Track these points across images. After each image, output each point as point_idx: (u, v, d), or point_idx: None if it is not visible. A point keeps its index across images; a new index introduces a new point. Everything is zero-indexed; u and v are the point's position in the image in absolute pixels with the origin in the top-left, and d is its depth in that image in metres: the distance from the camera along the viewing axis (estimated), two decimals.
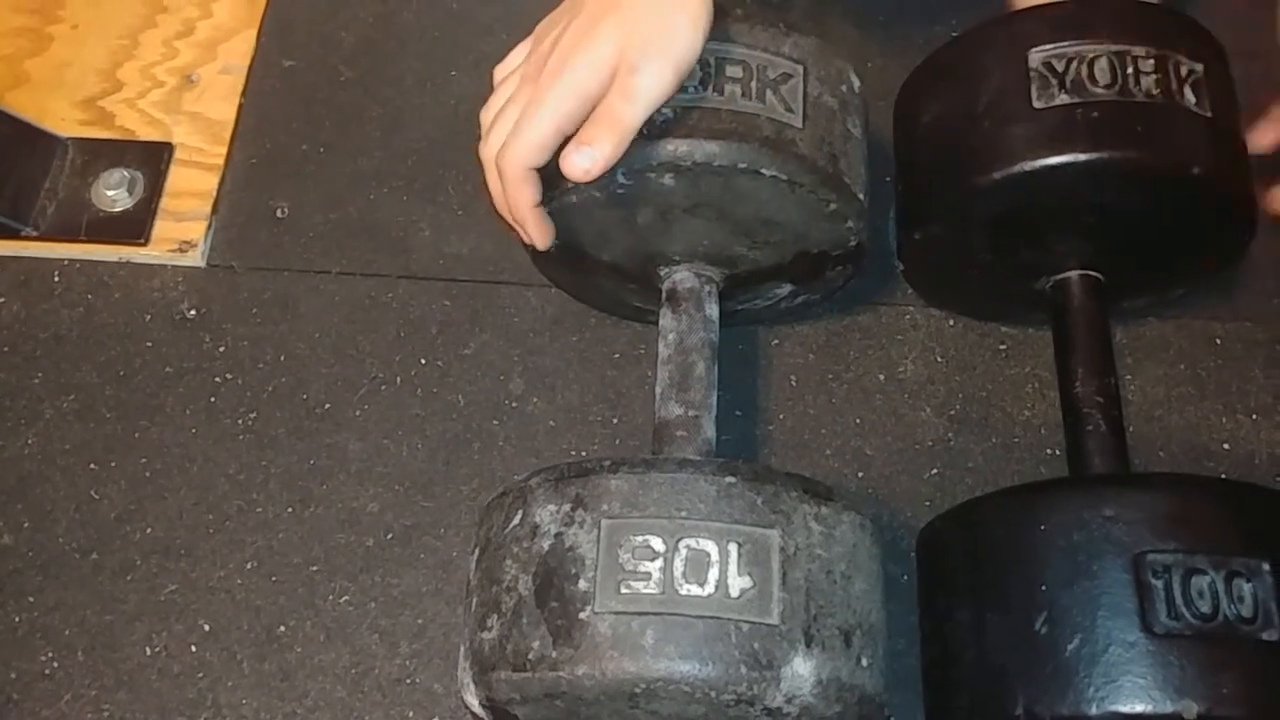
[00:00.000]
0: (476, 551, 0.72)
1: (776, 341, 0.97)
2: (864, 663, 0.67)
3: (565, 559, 0.66)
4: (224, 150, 1.05)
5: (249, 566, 0.89)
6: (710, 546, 0.65)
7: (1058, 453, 0.90)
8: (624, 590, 0.64)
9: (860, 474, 0.92)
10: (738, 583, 0.64)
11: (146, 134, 1.06)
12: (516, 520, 0.69)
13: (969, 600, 0.73)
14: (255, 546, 0.90)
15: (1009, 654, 0.69)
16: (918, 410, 0.94)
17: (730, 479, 0.67)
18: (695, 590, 0.64)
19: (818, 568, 0.67)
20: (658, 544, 0.65)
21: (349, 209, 1.03)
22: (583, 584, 0.65)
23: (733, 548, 0.65)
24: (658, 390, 0.81)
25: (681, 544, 0.64)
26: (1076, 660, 0.66)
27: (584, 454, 0.92)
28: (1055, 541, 0.69)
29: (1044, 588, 0.69)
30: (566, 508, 0.67)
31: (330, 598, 0.88)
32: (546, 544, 0.67)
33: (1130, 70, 0.77)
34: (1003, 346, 0.97)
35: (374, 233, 1.02)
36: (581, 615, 0.64)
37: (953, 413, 0.94)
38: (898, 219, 0.89)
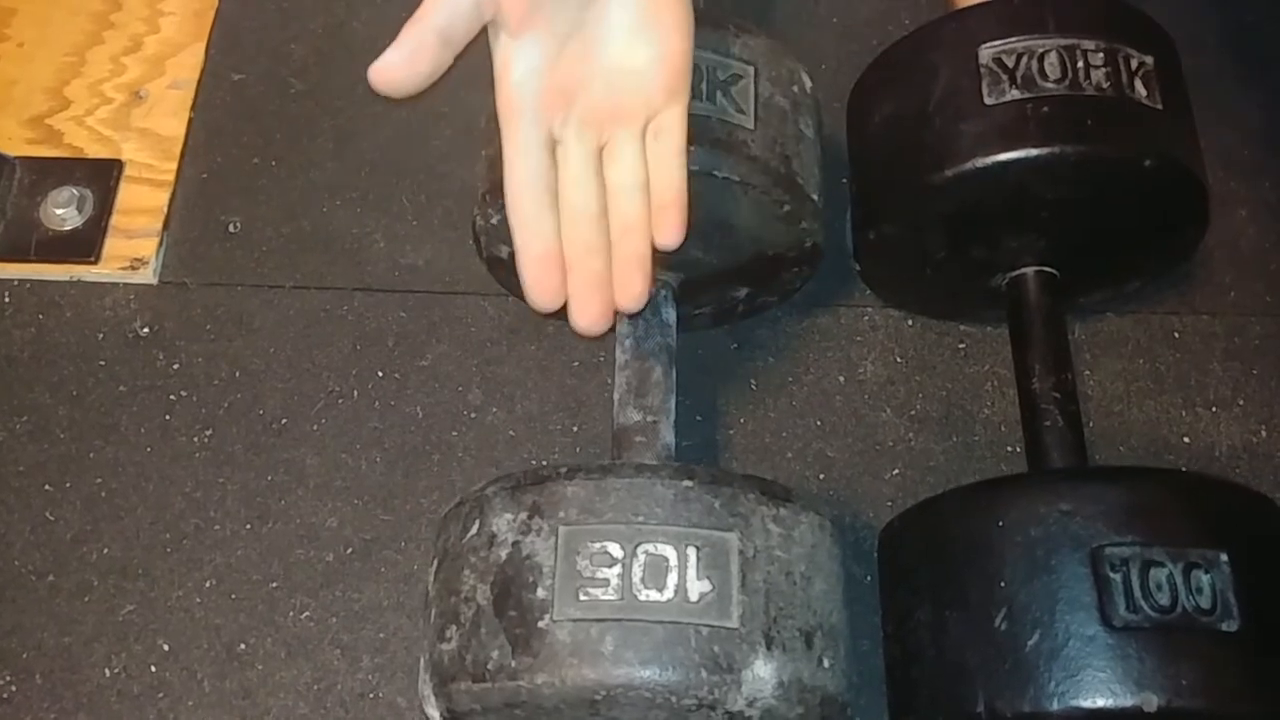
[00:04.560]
0: (435, 563, 0.71)
1: (735, 345, 0.96)
2: (826, 664, 0.67)
3: (523, 567, 0.65)
4: (174, 166, 1.04)
5: (208, 585, 0.88)
6: (668, 551, 0.64)
7: (1018, 450, 0.90)
8: (582, 597, 0.63)
9: (822, 476, 0.91)
10: (697, 587, 0.64)
11: (95, 151, 1.04)
12: (474, 530, 0.69)
13: (929, 598, 0.73)
14: (214, 564, 0.89)
15: (969, 651, 0.69)
16: (878, 411, 0.94)
17: (687, 483, 0.67)
18: (654, 595, 0.63)
19: (777, 569, 0.66)
20: (615, 550, 0.64)
21: (302, 222, 1.02)
22: (541, 592, 0.64)
23: (691, 552, 0.64)
24: (616, 396, 0.81)
25: (639, 549, 0.64)
26: (1037, 656, 0.66)
27: (544, 463, 0.92)
28: (1013, 537, 0.69)
29: (1003, 584, 0.68)
30: (523, 516, 0.67)
31: (291, 614, 0.87)
32: (504, 553, 0.66)
33: (1080, 64, 0.78)
34: (961, 346, 0.96)
35: (328, 245, 1.01)
36: (540, 624, 0.63)
37: (913, 413, 0.94)
38: (853, 219, 0.89)
